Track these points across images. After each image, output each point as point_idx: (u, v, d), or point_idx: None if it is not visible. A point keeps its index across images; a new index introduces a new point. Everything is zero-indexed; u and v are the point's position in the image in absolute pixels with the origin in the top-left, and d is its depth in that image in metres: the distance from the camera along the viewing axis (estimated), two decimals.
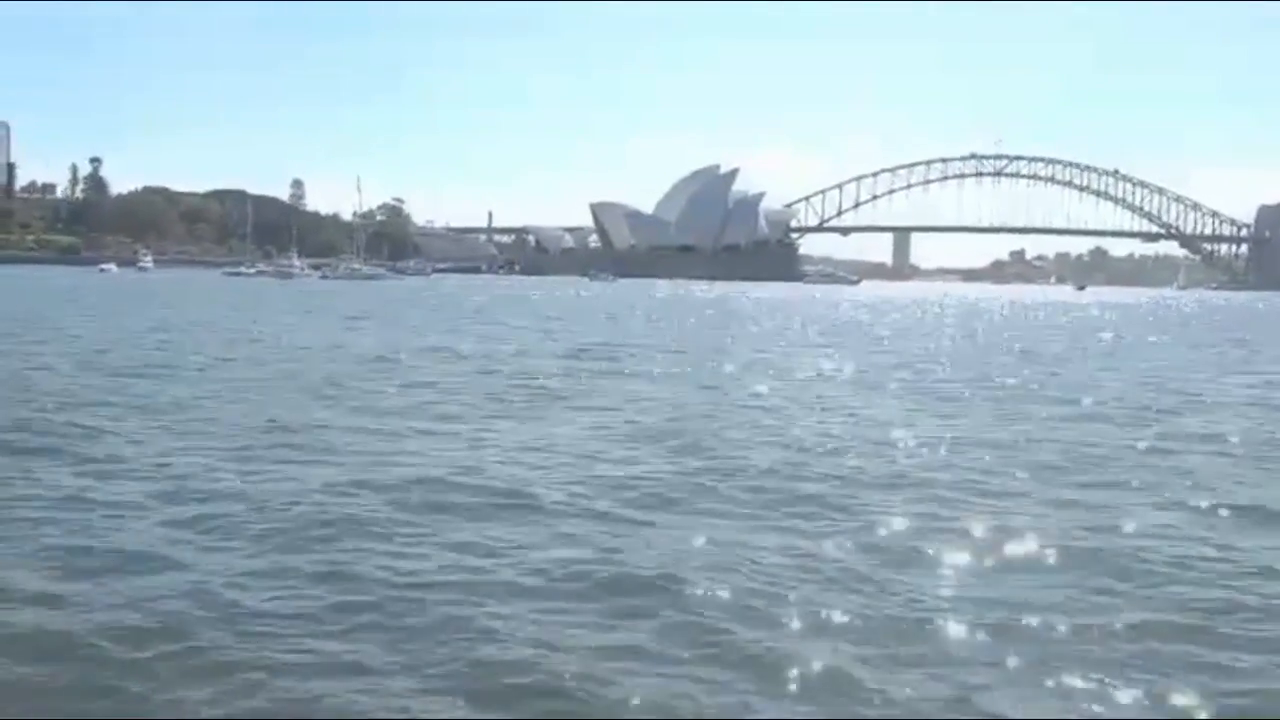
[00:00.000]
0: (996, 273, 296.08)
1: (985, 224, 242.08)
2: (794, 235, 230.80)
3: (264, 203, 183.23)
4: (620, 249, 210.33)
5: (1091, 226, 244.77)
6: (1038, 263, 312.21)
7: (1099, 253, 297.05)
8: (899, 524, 8.45)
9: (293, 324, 37.13)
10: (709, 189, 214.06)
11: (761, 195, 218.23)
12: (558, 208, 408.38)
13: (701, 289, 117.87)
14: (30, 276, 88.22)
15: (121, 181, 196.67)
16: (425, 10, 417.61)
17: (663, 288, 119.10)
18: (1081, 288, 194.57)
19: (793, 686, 5.27)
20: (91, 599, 6.27)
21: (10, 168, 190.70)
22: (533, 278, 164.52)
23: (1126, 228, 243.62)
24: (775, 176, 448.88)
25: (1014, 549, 7.76)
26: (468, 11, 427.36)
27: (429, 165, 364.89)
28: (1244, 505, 9.38)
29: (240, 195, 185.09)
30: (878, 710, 5.11)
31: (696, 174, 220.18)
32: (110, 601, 6.24)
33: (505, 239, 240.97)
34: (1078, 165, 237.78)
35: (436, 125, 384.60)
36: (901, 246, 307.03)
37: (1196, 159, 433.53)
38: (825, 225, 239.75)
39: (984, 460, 11.42)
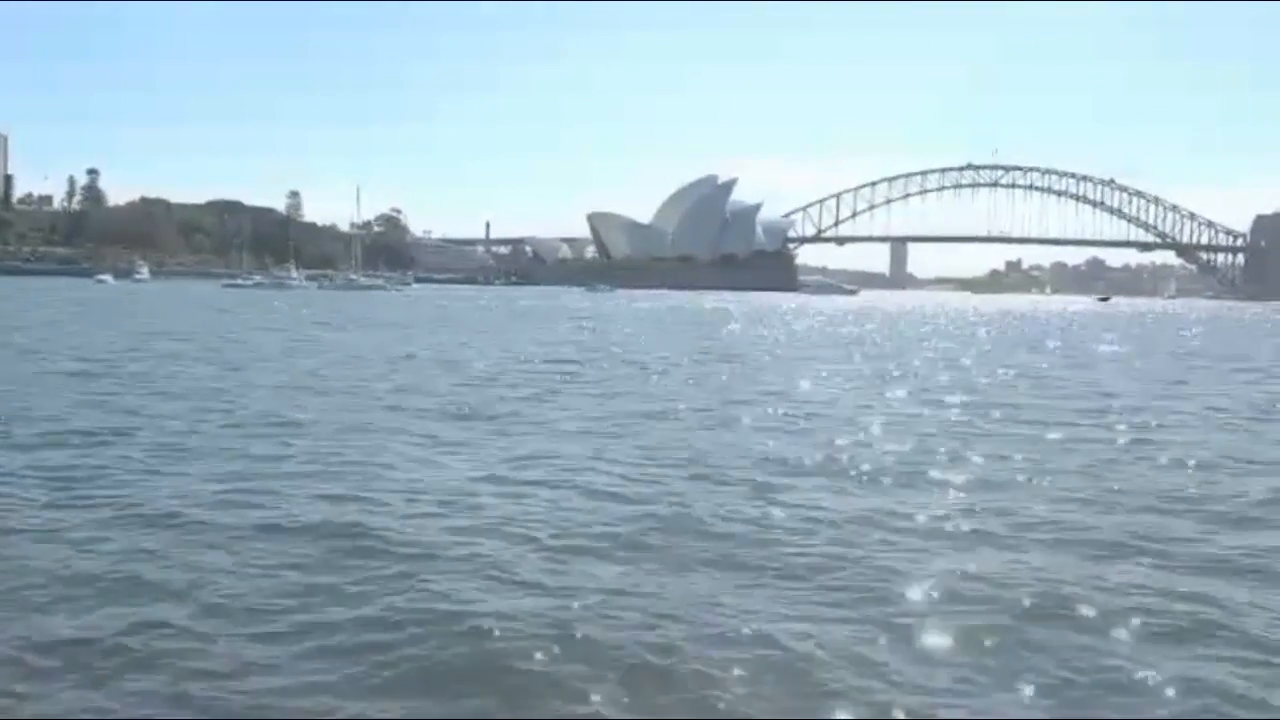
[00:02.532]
0: (994, 282, 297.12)
1: (982, 234, 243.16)
2: (791, 245, 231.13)
3: (261, 214, 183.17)
4: (617, 259, 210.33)
5: (1088, 236, 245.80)
6: (1034, 272, 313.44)
7: (1095, 262, 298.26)
8: None
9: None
10: (706, 199, 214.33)
11: (759, 206, 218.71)
12: (555, 218, 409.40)
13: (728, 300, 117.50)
14: (35, 288, 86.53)
15: (119, 193, 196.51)
16: (423, 23, 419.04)
17: (679, 298, 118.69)
18: (1105, 299, 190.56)
19: None
20: None
21: (8, 179, 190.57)
22: (529, 288, 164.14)
23: (1123, 238, 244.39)
24: (772, 187, 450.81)
25: None
26: (466, 23, 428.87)
27: (426, 177, 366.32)
28: None
29: (237, 206, 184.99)
30: None
31: (694, 184, 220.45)
32: None
33: (502, 250, 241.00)
34: (1074, 175, 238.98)
35: (434, 137, 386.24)
36: (898, 256, 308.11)
37: (1193, 169, 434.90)
38: (822, 235, 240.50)
39: None
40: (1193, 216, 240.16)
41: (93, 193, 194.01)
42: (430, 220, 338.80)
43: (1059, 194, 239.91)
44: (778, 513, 9.25)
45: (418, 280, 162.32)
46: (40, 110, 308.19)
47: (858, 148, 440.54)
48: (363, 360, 26.08)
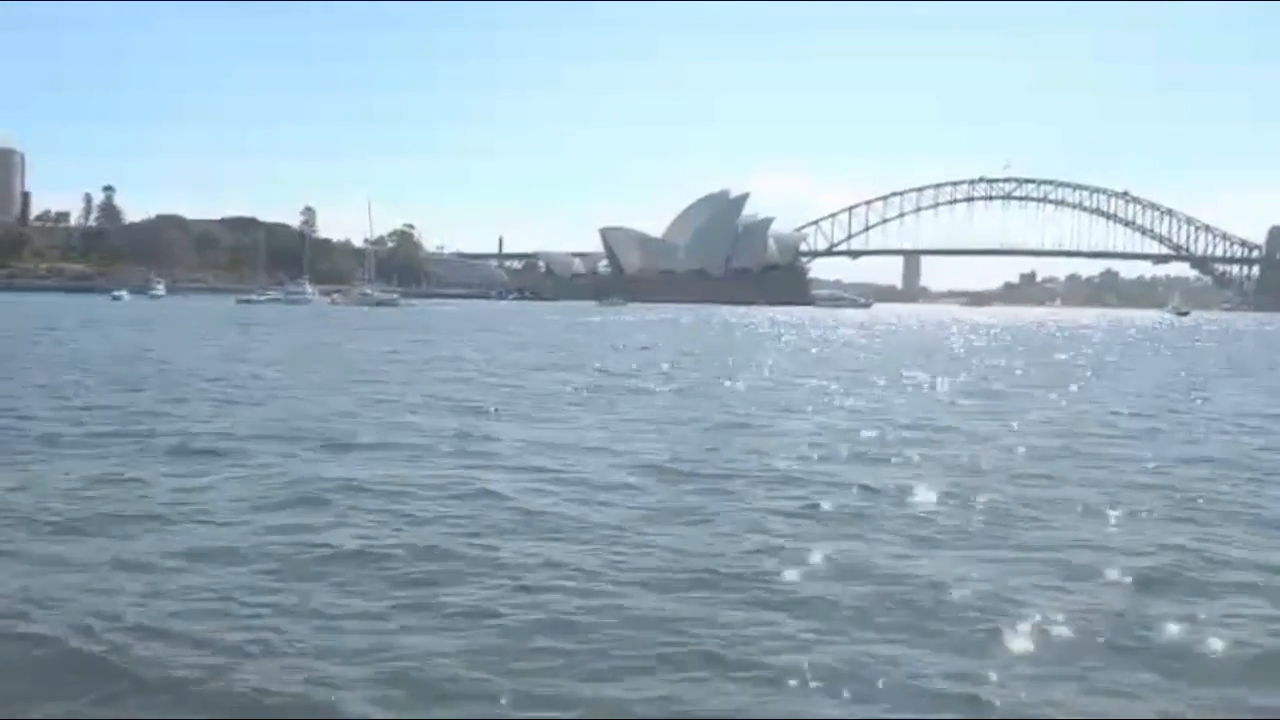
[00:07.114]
0: (1007, 295, 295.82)
1: (995, 246, 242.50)
2: (804, 259, 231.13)
3: (276, 230, 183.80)
4: (630, 273, 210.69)
5: (1101, 248, 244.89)
6: (1048, 285, 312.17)
7: (1109, 275, 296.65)
8: None
9: None
10: (718, 214, 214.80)
11: (770, 220, 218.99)
12: (568, 233, 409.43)
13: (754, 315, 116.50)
14: (59, 305, 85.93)
15: (135, 210, 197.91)
16: (434, 37, 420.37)
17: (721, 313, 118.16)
18: (1184, 313, 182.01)
19: None
20: None
21: (25, 196, 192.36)
22: (543, 304, 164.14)
23: (1136, 249, 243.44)
24: (785, 201, 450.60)
25: None
26: (476, 37, 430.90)
27: (441, 192, 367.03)
28: None
29: (252, 223, 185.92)
30: None
31: (706, 199, 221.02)
32: None
33: (516, 265, 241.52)
34: (1087, 188, 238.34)
35: (448, 152, 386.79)
36: (912, 269, 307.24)
37: (1207, 180, 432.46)
38: (835, 249, 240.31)
39: None
40: (1208, 228, 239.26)
41: (109, 210, 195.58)
42: (444, 236, 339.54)
43: (1073, 206, 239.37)
44: None
45: (428, 295, 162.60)
46: (58, 128, 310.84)
47: (869, 167, 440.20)
48: None
